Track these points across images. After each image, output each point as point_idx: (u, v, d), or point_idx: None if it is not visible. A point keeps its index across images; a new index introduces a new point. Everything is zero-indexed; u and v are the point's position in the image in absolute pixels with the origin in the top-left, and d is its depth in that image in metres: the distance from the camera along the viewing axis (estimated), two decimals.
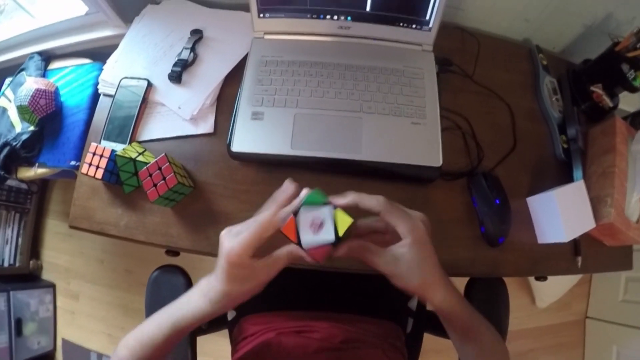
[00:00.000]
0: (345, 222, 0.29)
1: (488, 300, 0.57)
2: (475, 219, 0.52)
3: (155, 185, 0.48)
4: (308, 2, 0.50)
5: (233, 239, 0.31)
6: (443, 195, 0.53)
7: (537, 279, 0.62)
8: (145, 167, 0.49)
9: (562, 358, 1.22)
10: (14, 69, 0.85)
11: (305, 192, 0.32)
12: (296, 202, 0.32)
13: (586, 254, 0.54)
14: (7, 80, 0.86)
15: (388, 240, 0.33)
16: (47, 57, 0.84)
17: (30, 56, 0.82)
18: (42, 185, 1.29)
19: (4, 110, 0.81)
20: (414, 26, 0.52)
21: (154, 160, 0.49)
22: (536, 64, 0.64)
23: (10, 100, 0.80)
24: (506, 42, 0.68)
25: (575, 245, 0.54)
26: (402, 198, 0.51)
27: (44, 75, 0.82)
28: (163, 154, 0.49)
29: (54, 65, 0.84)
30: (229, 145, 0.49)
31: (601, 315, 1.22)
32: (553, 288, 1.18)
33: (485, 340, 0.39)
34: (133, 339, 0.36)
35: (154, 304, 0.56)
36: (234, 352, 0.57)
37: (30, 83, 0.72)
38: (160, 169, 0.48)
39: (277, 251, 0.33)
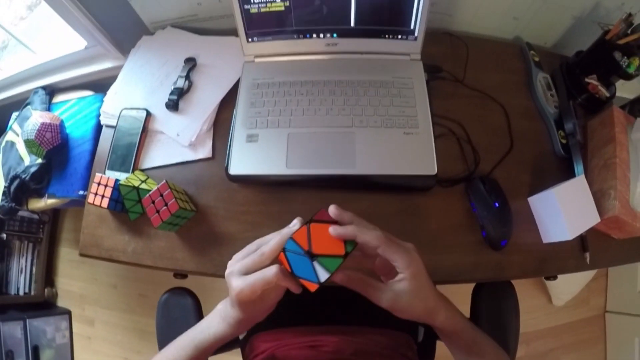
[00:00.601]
0: (334, 262, 0.31)
1: (496, 304, 0.56)
2: (475, 224, 0.52)
3: (158, 211, 0.49)
4: (294, 23, 0.51)
5: (240, 280, 0.32)
6: (441, 202, 0.53)
7: (547, 278, 0.61)
8: (147, 195, 0.50)
9: (584, 355, 1.18)
10: (20, 103, 0.88)
11: (295, 222, 0.34)
12: (284, 236, 0.33)
13: (595, 249, 0.53)
14: (14, 115, 0.89)
15: (375, 265, 0.36)
16: (51, 90, 0.88)
17: (35, 91, 0.86)
18: (54, 215, 1.32)
19: (13, 144, 0.84)
20: (399, 37, 0.53)
21: (156, 187, 0.50)
22: (528, 61, 0.64)
23: (17, 134, 0.83)
24: (496, 42, 0.69)
25: (582, 242, 0.53)
26: (400, 208, 0.52)
27: (49, 109, 0.85)
28: (164, 180, 0.50)
29: (58, 98, 0.88)
30: (227, 168, 0.50)
31: (620, 308, 1.19)
32: (569, 285, 1.15)
33: (488, 354, 0.39)
34: None
35: (164, 326, 0.57)
36: None
37: (36, 117, 0.75)
38: (162, 195, 0.49)
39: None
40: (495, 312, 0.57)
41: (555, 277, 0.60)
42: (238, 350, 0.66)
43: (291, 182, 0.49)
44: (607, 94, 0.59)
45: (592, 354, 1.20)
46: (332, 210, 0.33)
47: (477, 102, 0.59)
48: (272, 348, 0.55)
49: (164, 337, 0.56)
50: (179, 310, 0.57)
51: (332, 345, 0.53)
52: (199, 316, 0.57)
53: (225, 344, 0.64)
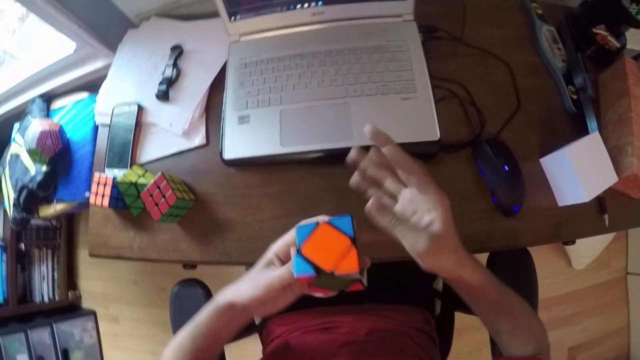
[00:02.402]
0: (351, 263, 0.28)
1: (513, 273, 0.54)
2: (485, 190, 0.49)
3: (157, 204, 0.49)
4: None
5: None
6: (447, 169, 0.50)
7: (566, 243, 0.59)
8: (145, 189, 0.50)
9: (607, 318, 1.16)
10: (20, 114, 0.89)
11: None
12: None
13: (613, 211, 0.50)
14: (16, 126, 0.90)
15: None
16: (48, 97, 0.88)
17: (32, 100, 0.86)
18: (69, 219, 1.36)
19: (17, 156, 0.85)
20: None
21: (153, 180, 0.50)
22: (530, 15, 0.59)
23: (20, 145, 0.84)
24: None
25: (600, 203, 0.50)
26: None
27: (48, 116, 0.85)
28: (160, 173, 0.49)
29: (56, 104, 0.88)
30: (221, 153, 0.49)
31: None
32: (588, 248, 1.11)
33: (517, 313, 0.38)
34: (172, 347, 0.38)
35: (177, 318, 0.57)
36: (262, 354, 0.57)
37: (35, 126, 0.76)
38: (159, 188, 0.49)
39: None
40: (511, 281, 0.55)
41: (573, 242, 0.57)
42: (257, 335, 0.67)
43: (287, 161, 0.48)
44: (618, 45, 0.56)
45: (615, 317, 1.18)
46: (368, 130, 0.33)
47: (479, 60, 0.56)
48: (287, 332, 0.55)
49: (178, 328, 0.56)
50: (190, 301, 0.58)
51: (346, 325, 0.53)
52: None
53: (243, 330, 0.66)
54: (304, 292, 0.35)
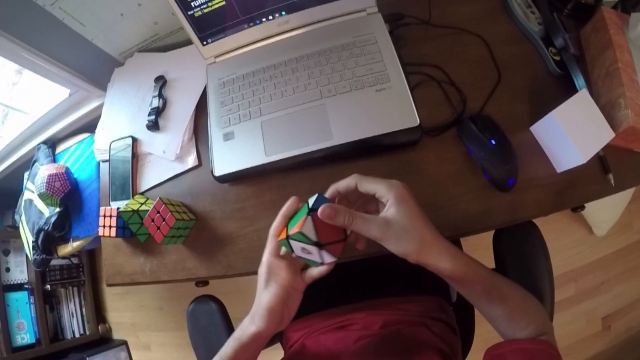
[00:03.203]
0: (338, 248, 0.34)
1: (519, 248, 0.53)
2: (476, 168, 0.49)
3: (158, 228, 0.51)
4: (239, 13, 0.50)
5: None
6: (434, 153, 0.50)
7: (574, 210, 0.57)
8: (147, 215, 0.52)
9: (637, 281, 1.11)
10: (28, 162, 0.94)
11: (291, 201, 0.36)
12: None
13: (618, 169, 0.48)
14: (26, 174, 0.95)
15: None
16: (52, 143, 0.93)
17: (37, 147, 0.91)
18: (90, 256, 1.41)
19: (31, 201, 0.90)
20: None
21: (152, 206, 0.52)
22: None
23: (32, 191, 0.88)
24: None
25: (602, 163, 0.48)
26: (392, 169, 0.50)
27: (54, 160, 0.90)
28: (158, 198, 0.51)
29: (61, 147, 0.93)
30: (212, 171, 0.51)
31: None
32: (607, 212, 1.07)
33: (511, 298, 0.36)
34: None
35: (196, 335, 0.59)
36: None
37: (43, 171, 0.80)
38: (159, 212, 0.51)
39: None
40: (519, 256, 0.53)
41: (582, 208, 0.55)
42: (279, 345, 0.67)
43: (275, 169, 0.49)
44: None
45: None
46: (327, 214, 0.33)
47: (451, 39, 0.55)
48: (303, 336, 0.55)
49: (198, 346, 0.58)
50: (206, 317, 0.59)
51: (360, 322, 0.53)
52: (226, 319, 0.58)
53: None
54: (305, 282, 0.37)
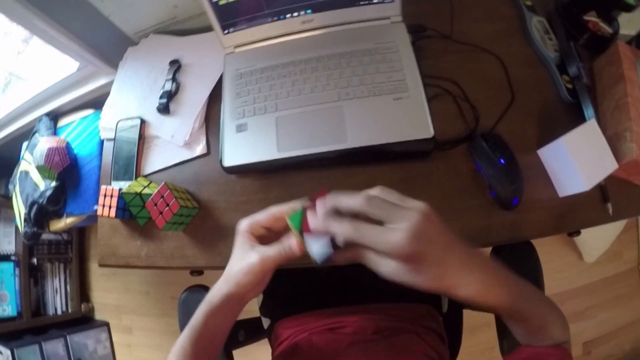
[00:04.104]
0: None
1: (516, 267, 0.53)
2: (483, 185, 0.50)
3: (161, 213, 0.50)
4: (265, 6, 0.50)
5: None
6: (444, 166, 0.51)
7: (571, 234, 0.58)
8: (150, 198, 0.51)
9: (621, 311, 1.14)
10: (28, 133, 0.92)
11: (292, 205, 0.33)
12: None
13: (617, 199, 0.49)
14: (24, 145, 0.93)
15: None
16: (55, 115, 0.91)
17: (39, 118, 0.89)
18: (80, 233, 1.39)
19: (27, 173, 0.88)
20: (375, 1, 0.51)
21: (156, 190, 0.51)
22: (519, 7, 0.59)
23: (30, 163, 0.87)
24: None
25: (603, 192, 0.50)
26: (401, 177, 0.50)
27: (55, 133, 0.88)
28: (163, 182, 0.51)
29: (63, 121, 0.91)
30: (221, 161, 0.51)
31: None
32: (599, 240, 1.09)
33: (534, 317, 0.35)
34: (174, 352, 0.38)
35: (186, 323, 0.58)
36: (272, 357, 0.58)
37: (43, 143, 0.78)
38: (163, 197, 0.50)
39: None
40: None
41: (578, 233, 0.56)
42: (266, 341, 0.67)
43: (285, 166, 0.48)
44: (610, 31, 0.55)
45: (630, 309, 1.15)
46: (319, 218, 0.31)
47: (470, 56, 0.56)
48: (295, 334, 0.55)
49: None
50: (197, 306, 0.58)
51: (352, 325, 0.53)
52: None
53: (251, 335, 0.66)
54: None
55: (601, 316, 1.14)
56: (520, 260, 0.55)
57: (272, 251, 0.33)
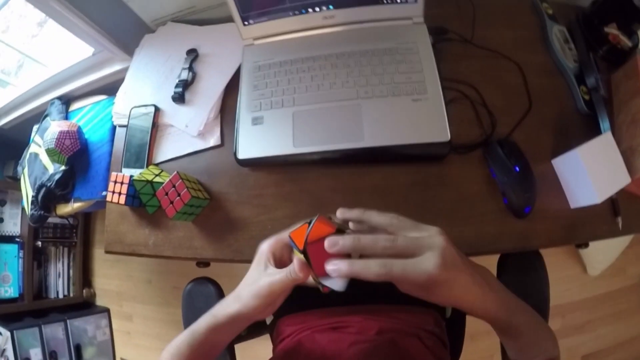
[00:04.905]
0: None
1: (523, 276, 0.54)
2: (496, 191, 0.49)
3: (172, 202, 0.50)
4: (286, 0, 0.50)
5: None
6: (458, 170, 0.50)
7: (579, 246, 0.58)
8: (161, 187, 0.51)
9: (622, 326, 1.13)
10: (39, 116, 0.92)
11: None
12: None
13: (627, 213, 0.49)
14: (35, 127, 0.94)
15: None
16: (67, 100, 0.91)
17: (51, 102, 0.89)
18: (86, 218, 1.39)
19: (36, 155, 0.88)
20: (399, 0, 0.51)
21: (168, 179, 0.51)
22: (541, 15, 0.59)
23: (39, 145, 0.87)
24: None
25: (613, 205, 0.50)
26: (414, 180, 0.50)
27: (66, 117, 0.88)
28: (175, 172, 0.51)
29: (75, 106, 0.91)
30: (235, 153, 0.50)
31: None
32: (603, 253, 1.09)
33: (525, 334, 0.35)
34: (169, 351, 0.38)
35: (190, 315, 0.59)
36: (273, 353, 0.58)
37: (54, 126, 0.78)
38: (174, 186, 0.50)
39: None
40: (522, 284, 0.54)
41: (586, 245, 0.56)
42: (267, 336, 0.67)
43: (300, 161, 0.48)
44: (630, 44, 0.55)
45: (631, 325, 1.14)
46: (339, 215, 0.32)
47: (490, 62, 0.56)
48: (297, 331, 0.55)
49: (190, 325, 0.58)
50: (202, 299, 0.59)
51: (356, 325, 0.53)
52: None
53: (253, 330, 0.67)
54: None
55: (601, 330, 1.13)
56: (528, 270, 0.54)
57: (279, 276, 0.33)
